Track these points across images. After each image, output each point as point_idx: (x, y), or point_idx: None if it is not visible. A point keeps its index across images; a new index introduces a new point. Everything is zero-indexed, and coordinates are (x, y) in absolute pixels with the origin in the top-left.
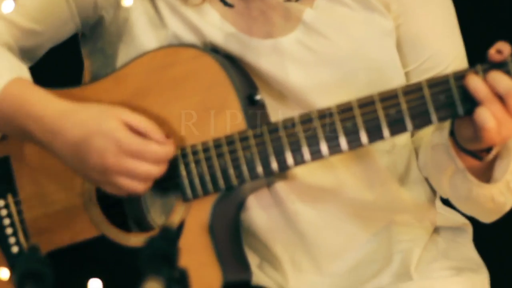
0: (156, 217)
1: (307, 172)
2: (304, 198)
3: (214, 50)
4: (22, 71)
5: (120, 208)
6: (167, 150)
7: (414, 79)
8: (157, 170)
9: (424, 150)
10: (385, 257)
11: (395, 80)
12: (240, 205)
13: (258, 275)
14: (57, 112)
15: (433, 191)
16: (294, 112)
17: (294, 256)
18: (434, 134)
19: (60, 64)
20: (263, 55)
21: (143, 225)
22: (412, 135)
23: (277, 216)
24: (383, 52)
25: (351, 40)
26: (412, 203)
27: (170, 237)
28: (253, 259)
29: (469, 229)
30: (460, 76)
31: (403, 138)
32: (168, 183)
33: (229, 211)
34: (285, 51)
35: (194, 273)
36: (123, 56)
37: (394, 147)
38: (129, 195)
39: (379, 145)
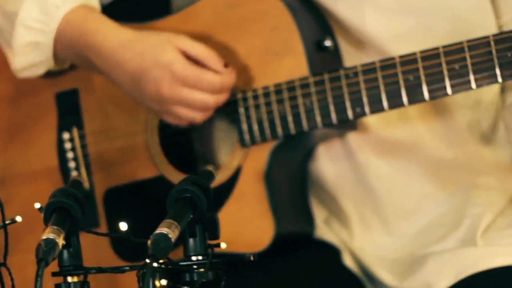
0: (226, 159)
1: (382, 124)
2: (378, 151)
3: None
4: None
5: (190, 149)
6: (224, 79)
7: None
8: (213, 99)
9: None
10: (455, 221)
11: (484, 31)
12: (307, 154)
13: (322, 229)
14: (116, 42)
15: None
16: (373, 59)
17: (363, 213)
18: (509, 94)
19: None
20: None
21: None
22: (502, 91)
23: (348, 169)
24: (473, 2)
25: None
26: (495, 165)
27: (203, 182)
28: (320, 212)
29: None
30: None
31: (491, 95)
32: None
33: (293, 160)
34: None
35: (245, 221)
36: None
37: (479, 103)
38: (189, 125)
39: (461, 101)
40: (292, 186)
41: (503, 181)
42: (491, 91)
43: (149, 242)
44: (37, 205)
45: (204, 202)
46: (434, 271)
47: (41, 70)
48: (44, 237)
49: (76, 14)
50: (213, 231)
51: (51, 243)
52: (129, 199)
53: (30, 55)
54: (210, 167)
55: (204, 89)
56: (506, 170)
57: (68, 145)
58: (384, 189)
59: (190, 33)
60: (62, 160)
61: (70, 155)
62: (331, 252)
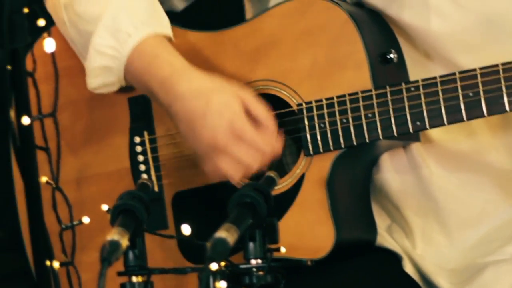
0: (290, 167)
1: (446, 136)
2: (442, 163)
3: (357, 3)
4: (161, 24)
5: None
6: (275, 147)
7: None
8: (258, 163)
9: None
10: None
11: None
12: (372, 164)
13: (384, 237)
14: (181, 77)
15: None
16: (437, 70)
17: (426, 223)
18: None
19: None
20: (407, 7)
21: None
22: None
23: (411, 180)
24: None
25: (504, 1)
26: None
27: (265, 188)
28: (383, 221)
29: None
30: None
31: None
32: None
33: (357, 169)
34: (430, 4)
35: (307, 227)
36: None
37: None
38: (221, 180)
39: None
40: (355, 194)
41: None
42: None
43: (208, 245)
44: (105, 207)
45: (264, 208)
46: (492, 280)
47: (114, 88)
48: (108, 238)
49: (148, 43)
50: (272, 236)
51: (115, 244)
52: (197, 203)
53: (103, 77)
54: (272, 174)
55: (255, 151)
56: None
57: (139, 148)
58: (447, 200)
59: (257, 42)
60: (134, 162)
61: (141, 158)
62: (392, 259)
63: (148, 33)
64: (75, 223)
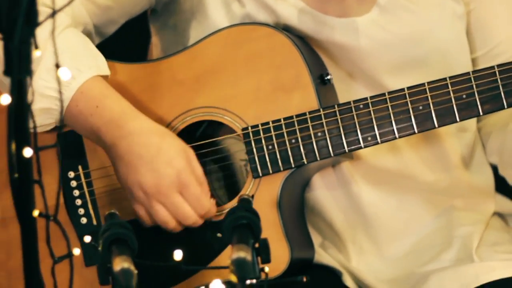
0: (221, 194)
1: (373, 153)
2: (369, 179)
3: (286, 29)
4: (100, 65)
5: None
6: (212, 209)
7: (481, 65)
8: (194, 219)
9: (497, 135)
10: (445, 241)
11: (462, 64)
12: (306, 183)
13: (320, 254)
14: (132, 117)
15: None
16: (361, 92)
17: (356, 237)
18: None
19: (122, 39)
20: (337, 30)
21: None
22: (478, 120)
23: (341, 196)
24: (453, 35)
25: (423, 21)
26: (473, 188)
27: (249, 206)
28: (316, 239)
29: None
30: None
31: (471, 122)
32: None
33: (296, 189)
34: (360, 29)
35: None
36: (194, 33)
37: (464, 130)
38: (155, 225)
39: (448, 128)
40: (295, 214)
41: (479, 203)
42: (473, 119)
43: (231, 267)
44: (77, 251)
45: (260, 228)
46: (438, 287)
47: (48, 129)
48: (118, 267)
49: (92, 86)
50: (265, 255)
51: (128, 272)
52: (137, 232)
53: (41, 118)
54: (245, 195)
55: (195, 208)
56: (483, 193)
57: (74, 183)
58: (374, 213)
59: (198, 69)
60: (69, 197)
61: (76, 192)
62: (332, 275)
63: (92, 75)
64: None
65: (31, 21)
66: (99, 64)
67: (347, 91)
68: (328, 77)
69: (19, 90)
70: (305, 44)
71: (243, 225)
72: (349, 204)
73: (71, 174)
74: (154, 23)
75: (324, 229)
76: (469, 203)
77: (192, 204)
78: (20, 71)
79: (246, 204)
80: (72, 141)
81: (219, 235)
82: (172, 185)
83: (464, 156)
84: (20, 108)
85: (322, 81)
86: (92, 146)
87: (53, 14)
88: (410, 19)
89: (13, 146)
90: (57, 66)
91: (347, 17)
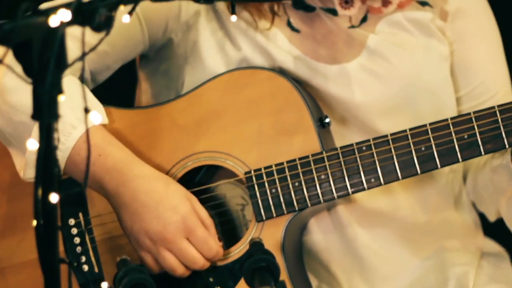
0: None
1: (367, 195)
2: (363, 222)
3: (282, 73)
4: (100, 117)
5: None
6: (219, 251)
7: (464, 105)
8: (202, 262)
9: (474, 173)
10: (440, 282)
11: (449, 103)
12: (304, 227)
13: None
14: (135, 172)
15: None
16: (354, 135)
17: (352, 280)
18: (494, 156)
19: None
20: (330, 79)
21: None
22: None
23: (337, 239)
24: (440, 76)
25: (412, 64)
26: (462, 228)
27: (265, 249)
28: (312, 281)
29: (507, 256)
30: None
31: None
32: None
33: (296, 232)
34: (351, 76)
35: None
36: (188, 78)
37: (454, 170)
38: (162, 271)
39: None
40: (296, 257)
41: (470, 242)
42: None
43: None
44: (104, 285)
45: (278, 269)
46: None
47: None
48: None
49: (93, 135)
50: None
51: None
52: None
53: None
54: (256, 238)
55: (202, 251)
56: (471, 233)
57: (74, 230)
58: (369, 255)
59: (198, 114)
60: (69, 245)
61: (77, 240)
62: None
63: (92, 125)
64: None
65: (61, 65)
66: (98, 111)
67: (341, 135)
68: (327, 120)
69: (48, 134)
70: (303, 87)
71: (262, 267)
72: (344, 247)
73: (72, 222)
74: (143, 69)
75: (320, 271)
76: (460, 243)
77: (199, 248)
78: (49, 115)
79: (260, 246)
80: (72, 188)
81: (211, 279)
82: (178, 231)
83: (455, 196)
84: (48, 153)
85: (322, 124)
86: (92, 192)
87: (83, 56)
88: (398, 62)
89: (40, 192)
90: (86, 110)
91: (338, 63)
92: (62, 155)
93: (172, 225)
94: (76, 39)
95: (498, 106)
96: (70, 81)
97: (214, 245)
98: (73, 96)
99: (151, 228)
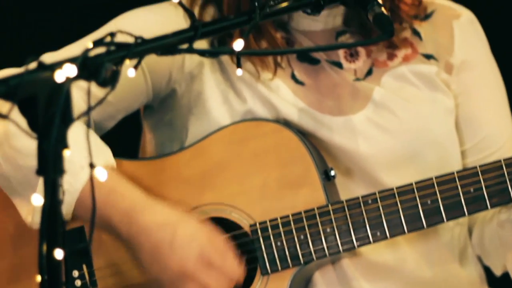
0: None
1: (372, 248)
2: (368, 275)
3: (287, 125)
4: (107, 156)
5: None
6: (240, 272)
7: (470, 158)
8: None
9: (480, 227)
10: None
11: (455, 157)
12: (308, 280)
13: None
14: (143, 207)
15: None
16: (360, 188)
17: None
18: (501, 211)
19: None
20: (335, 131)
21: None
22: None
23: None
24: (445, 129)
25: (417, 117)
26: (467, 282)
27: None
28: None
29: None
30: None
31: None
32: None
33: (301, 286)
34: (356, 128)
35: None
36: (193, 129)
37: (460, 224)
38: None
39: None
40: None
41: None
42: None
43: None
44: None
45: None
46: None
47: None
48: None
49: None
50: None
51: None
52: None
53: None
54: None
55: (223, 278)
56: (475, 285)
57: (78, 283)
58: None
59: (203, 166)
60: None
61: None
62: None
63: (100, 165)
64: None
65: (66, 120)
66: (106, 155)
67: (346, 187)
68: (332, 173)
69: (52, 190)
70: (308, 139)
71: None
72: None
73: (76, 273)
74: (148, 120)
75: None
76: None
77: (221, 277)
78: (54, 171)
79: None
80: (77, 239)
81: None
82: (197, 263)
83: (460, 249)
84: (53, 208)
85: (327, 177)
86: (96, 244)
87: (88, 111)
88: (404, 115)
89: (44, 247)
90: (92, 166)
91: (343, 115)
92: (71, 197)
93: (190, 258)
94: (81, 89)
95: (505, 159)
96: (76, 126)
97: (233, 271)
98: (80, 138)
99: (170, 266)
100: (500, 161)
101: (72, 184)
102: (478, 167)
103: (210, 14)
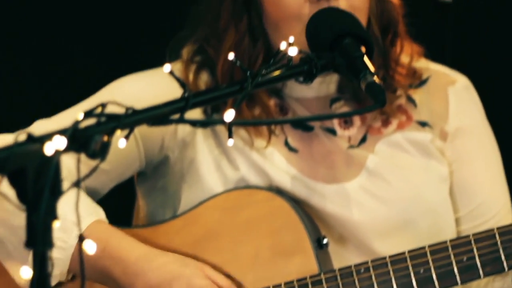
0: None
1: None
2: None
3: (280, 193)
4: (100, 213)
5: None
6: None
7: (464, 225)
8: None
9: None
10: None
11: (449, 224)
12: None
13: None
14: (139, 255)
15: None
16: (353, 256)
17: None
18: (495, 279)
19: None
20: (328, 199)
21: None
22: None
23: None
24: (439, 197)
25: (411, 185)
26: None
27: None
28: None
29: None
30: None
31: None
32: None
33: None
34: (349, 196)
35: None
36: (186, 195)
37: None
38: None
39: None
40: None
41: None
42: None
43: None
44: None
45: None
46: None
47: (53, 283)
48: None
49: (95, 230)
50: None
51: None
52: None
53: None
54: None
55: None
56: None
57: None
58: None
59: (196, 235)
60: None
61: None
62: None
63: (93, 220)
64: None
65: (55, 192)
66: (99, 213)
67: (339, 255)
68: (325, 241)
69: (41, 263)
70: (301, 207)
71: None
72: None
73: None
74: (141, 186)
75: None
76: None
77: None
78: (43, 243)
79: None
80: None
81: None
82: None
83: None
84: (42, 282)
85: (319, 245)
86: None
87: (77, 182)
88: (398, 183)
89: None
90: (81, 238)
91: (336, 183)
92: (65, 253)
93: None
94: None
95: (498, 228)
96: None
97: None
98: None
99: None
100: (493, 229)
101: (66, 241)
102: (471, 236)
103: (204, 80)
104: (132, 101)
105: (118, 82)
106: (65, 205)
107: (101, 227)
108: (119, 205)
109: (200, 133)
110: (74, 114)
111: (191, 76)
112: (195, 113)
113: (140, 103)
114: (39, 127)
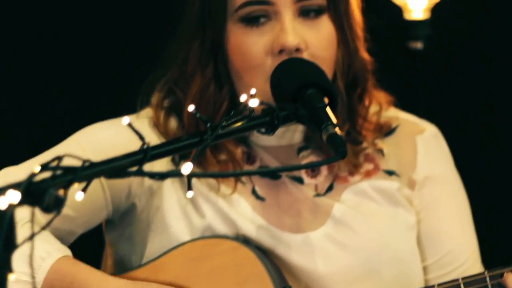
0: None
1: None
2: None
3: (246, 241)
4: (68, 252)
5: None
6: None
7: (431, 274)
8: None
9: None
10: None
11: (416, 273)
12: None
13: None
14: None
15: None
16: None
17: None
18: None
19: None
20: (294, 249)
21: None
22: None
23: None
24: (406, 245)
25: (377, 234)
26: None
27: None
28: None
29: None
30: (497, 275)
31: None
32: None
33: None
34: (315, 245)
35: None
36: (152, 244)
37: None
38: None
39: None
40: None
41: None
42: None
43: None
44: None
45: None
46: None
47: None
48: None
49: (63, 264)
50: None
51: None
52: None
53: None
54: None
55: None
56: None
57: None
58: None
59: (161, 283)
60: None
61: None
62: None
63: (61, 256)
64: None
65: (10, 246)
66: (67, 251)
67: None
68: None
69: None
70: (268, 257)
71: None
72: None
73: None
74: (109, 234)
75: None
76: None
77: None
78: None
79: None
80: None
81: None
82: None
83: None
84: None
85: None
86: None
87: (32, 236)
88: (364, 232)
89: None
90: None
91: (302, 233)
92: None
93: None
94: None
95: (463, 278)
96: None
97: None
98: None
99: None
100: (458, 279)
101: (35, 276)
102: (436, 286)
103: (173, 124)
104: (100, 148)
105: (87, 129)
106: (37, 241)
107: (69, 261)
108: (87, 253)
109: (167, 181)
110: (37, 163)
111: (161, 118)
112: (162, 161)
113: (109, 151)
114: (6, 175)
